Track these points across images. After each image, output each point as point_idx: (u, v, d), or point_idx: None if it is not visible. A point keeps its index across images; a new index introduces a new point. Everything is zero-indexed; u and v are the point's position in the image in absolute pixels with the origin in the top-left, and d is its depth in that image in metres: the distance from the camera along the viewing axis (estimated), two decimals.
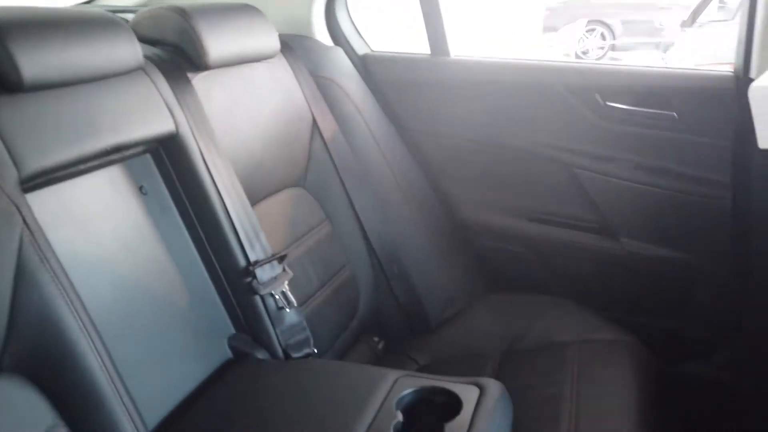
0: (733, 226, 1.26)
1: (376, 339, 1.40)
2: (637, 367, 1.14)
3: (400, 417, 0.81)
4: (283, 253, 1.04)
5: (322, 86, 1.38)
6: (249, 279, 0.99)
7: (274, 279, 1.02)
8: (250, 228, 1.02)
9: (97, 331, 0.71)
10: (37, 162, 0.74)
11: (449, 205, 1.54)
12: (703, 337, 1.33)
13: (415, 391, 0.86)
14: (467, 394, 0.84)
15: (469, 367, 1.22)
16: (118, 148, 0.87)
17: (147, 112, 0.92)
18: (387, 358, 1.35)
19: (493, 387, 0.85)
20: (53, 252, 0.70)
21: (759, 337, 1.26)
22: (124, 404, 0.71)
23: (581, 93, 1.33)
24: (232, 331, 1.02)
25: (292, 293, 1.04)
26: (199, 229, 0.99)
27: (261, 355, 0.99)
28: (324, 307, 1.21)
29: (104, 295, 0.83)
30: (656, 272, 1.35)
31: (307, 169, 1.30)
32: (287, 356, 1.01)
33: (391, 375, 0.89)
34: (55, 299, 0.68)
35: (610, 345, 1.21)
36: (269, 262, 1.01)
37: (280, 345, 1.01)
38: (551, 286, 1.46)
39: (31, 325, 0.66)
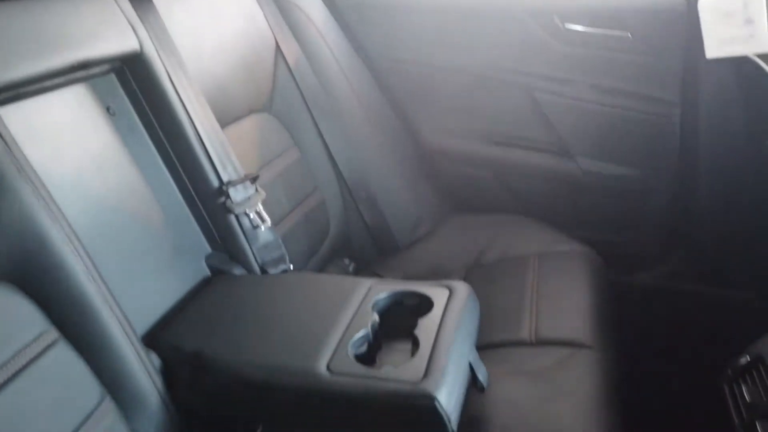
0: (681, 143, 1.33)
1: (346, 261, 1.45)
2: (592, 275, 1.23)
3: (376, 317, 0.86)
4: (255, 174, 1.05)
5: (284, 11, 1.37)
6: (223, 199, 1.01)
7: (248, 199, 1.04)
8: (221, 148, 1.03)
9: (80, 241, 0.73)
10: (3, 74, 0.73)
11: (414, 131, 1.56)
12: (652, 249, 1.43)
13: (389, 295, 0.91)
14: (438, 295, 0.90)
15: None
16: (82, 65, 0.85)
17: (109, 30, 0.91)
18: None
19: (462, 288, 0.91)
20: (30, 164, 0.71)
21: (702, 248, 1.37)
22: (111, 310, 0.73)
23: (540, 16, 1.36)
24: (209, 250, 1.04)
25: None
26: (169, 149, 0.99)
27: (238, 271, 1.03)
28: (295, 229, 1.24)
29: (77, 212, 0.83)
30: (610, 189, 1.42)
31: (273, 95, 1.30)
32: (264, 273, 1.05)
33: (366, 282, 0.94)
34: (37, 209, 0.69)
35: (567, 256, 1.29)
36: (242, 182, 1.03)
37: (257, 262, 1.04)
38: (513, 205, 1.53)
39: (15, 234, 0.67)
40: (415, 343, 0.81)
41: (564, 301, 1.12)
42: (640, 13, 1.28)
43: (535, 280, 1.20)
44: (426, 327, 0.82)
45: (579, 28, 1.35)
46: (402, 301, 0.92)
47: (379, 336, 0.87)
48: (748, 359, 0.80)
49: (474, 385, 0.83)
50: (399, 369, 0.76)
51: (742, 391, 0.77)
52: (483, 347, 1.01)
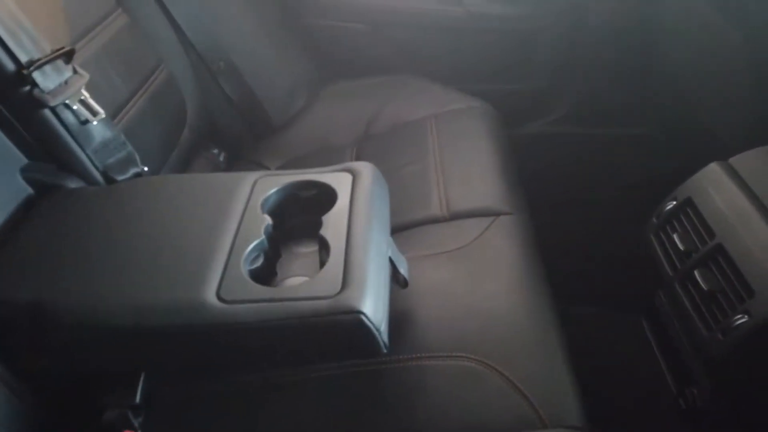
0: None
1: (215, 151, 1.22)
2: (494, 132, 1.13)
3: (268, 220, 0.69)
4: (68, 49, 0.77)
5: None
6: (27, 87, 0.73)
7: (65, 85, 0.76)
8: (8, 17, 0.73)
9: None
10: None
11: None
12: (544, 94, 1.36)
13: (280, 189, 0.74)
14: (340, 182, 0.74)
15: (326, 161, 1.11)
16: None
17: None
18: (233, 170, 1.20)
19: (366, 169, 0.76)
20: None
21: (593, 88, 1.32)
22: None
23: None
24: (25, 160, 0.77)
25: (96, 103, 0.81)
26: None
27: (74, 184, 0.78)
28: (143, 119, 0.98)
29: None
30: (498, 30, 1.30)
31: None
32: (110, 180, 0.81)
33: (248, 178, 0.75)
34: None
35: (464, 113, 1.17)
36: (50, 61, 0.74)
37: (97, 168, 0.80)
38: (396, 63, 1.35)
39: None
40: (324, 246, 0.66)
41: (471, 166, 1.02)
42: None
43: (436, 145, 1.07)
44: (334, 224, 0.67)
45: None
46: (298, 195, 0.75)
47: (277, 242, 0.71)
48: (675, 203, 0.76)
49: (396, 282, 0.72)
50: (310, 282, 0.61)
51: (672, 239, 0.73)
52: (393, 231, 0.89)
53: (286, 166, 1.15)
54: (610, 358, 0.87)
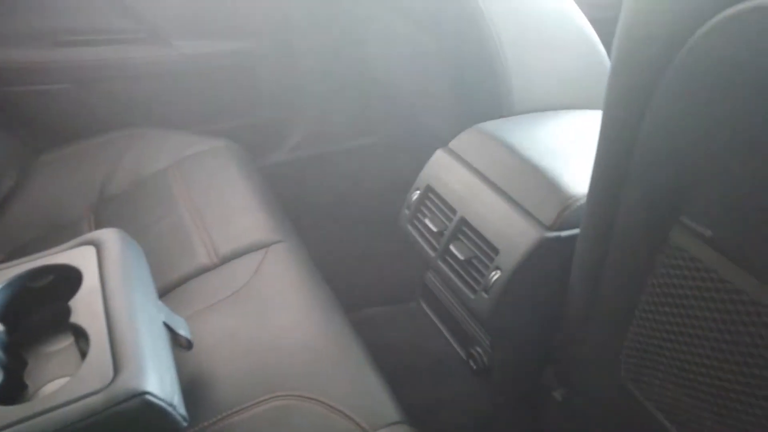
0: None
1: None
2: (239, 166, 1.11)
3: None
4: None
5: None
6: None
7: None
8: None
9: None
10: None
11: None
12: (280, 124, 1.38)
13: (2, 288, 0.61)
14: (81, 258, 0.64)
15: (60, 240, 0.96)
16: None
17: None
18: None
19: (110, 235, 0.68)
20: None
21: (319, 111, 1.39)
22: None
23: None
24: None
25: None
26: None
27: None
28: None
29: None
30: (221, 70, 1.28)
31: None
32: None
33: None
34: None
35: (207, 155, 1.13)
36: None
37: None
38: (120, 118, 1.24)
39: None
40: (80, 334, 0.56)
41: (229, 205, 0.98)
42: None
43: (185, 192, 1.01)
44: (86, 306, 0.58)
45: None
46: (30, 287, 0.63)
47: (17, 349, 0.59)
48: (419, 192, 0.83)
49: (179, 346, 0.65)
50: (73, 381, 0.52)
51: (425, 223, 0.80)
52: (162, 293, 0.81)
53: (7, 259, 0.97)
54: (406, 347, 0.93)
